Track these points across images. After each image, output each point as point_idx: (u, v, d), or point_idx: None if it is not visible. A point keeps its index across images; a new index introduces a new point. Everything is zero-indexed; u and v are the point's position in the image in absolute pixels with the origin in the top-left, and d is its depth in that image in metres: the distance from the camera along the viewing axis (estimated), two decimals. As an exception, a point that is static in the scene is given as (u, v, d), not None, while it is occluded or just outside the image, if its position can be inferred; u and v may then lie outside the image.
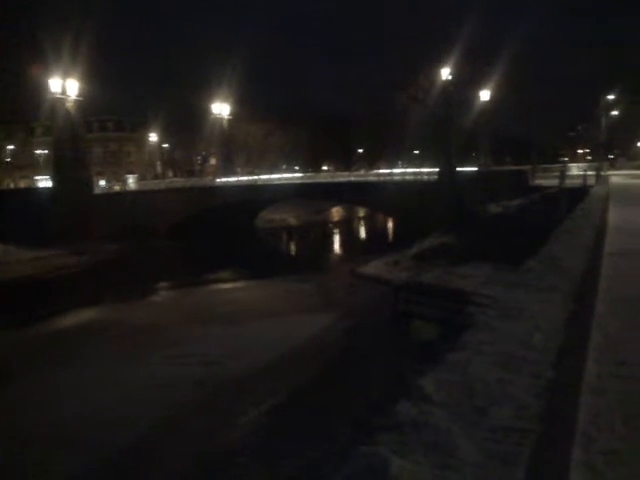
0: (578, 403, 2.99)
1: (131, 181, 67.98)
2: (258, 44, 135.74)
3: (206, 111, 64.52)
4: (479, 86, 49.87)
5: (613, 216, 13.00)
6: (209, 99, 63.43)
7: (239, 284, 31.66)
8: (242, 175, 68.12)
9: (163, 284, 31.99)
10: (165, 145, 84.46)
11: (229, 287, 30.95)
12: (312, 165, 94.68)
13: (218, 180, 58.35)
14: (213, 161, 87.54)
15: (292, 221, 65.60)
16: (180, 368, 16.67)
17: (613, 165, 67.26)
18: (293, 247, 56.23)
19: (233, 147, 72.23)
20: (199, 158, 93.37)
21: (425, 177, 46.49)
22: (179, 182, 61.99)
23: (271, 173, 66.09)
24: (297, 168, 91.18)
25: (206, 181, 60.85)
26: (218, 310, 24.25)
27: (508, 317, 2.56)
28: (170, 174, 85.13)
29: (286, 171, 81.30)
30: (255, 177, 59.79)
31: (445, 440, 1.51)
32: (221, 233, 44.55)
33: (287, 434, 11.86)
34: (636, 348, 4.22)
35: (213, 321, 22.15)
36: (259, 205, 57.74)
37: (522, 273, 4.12)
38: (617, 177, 40.47)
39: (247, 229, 54.08)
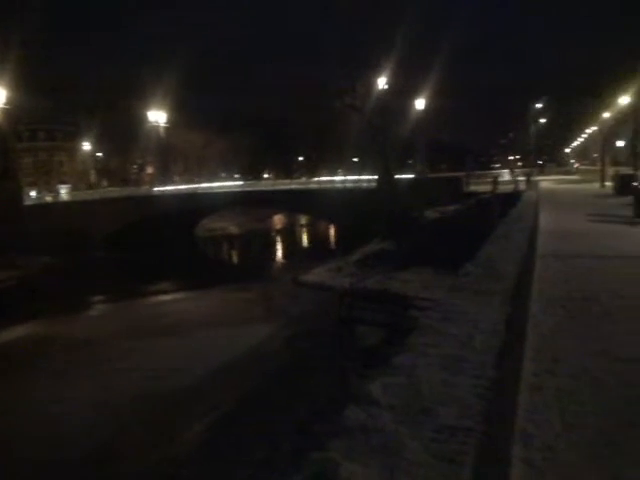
0: (517, 401, 3.10)
1: (64, 191, 65.68)
2: (196, 50, 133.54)
3: (142, 119, 63.05)
4: (415, 94, 51.00)
5: (543, 220, 13.60)
6: (145, 106, 62.03)
7: (179, 295, 31.00)
8: (180, 183, 66.96)
9: (100, 297, 30.96)
10: (99, 154, 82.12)
11: (169, 298, 30.28)
12: (253, 173, 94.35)
13: (156, 189, 57.16)
14: (150, 170, 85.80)
15: (233, 230, 64.99)
16: (120, 383, 16.15)
17: (542, 171, 70.35)
18: (235, 256, 55.67)
19: (171, 155, 71.01)
20: (135, 167, 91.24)
21: (365, 184, 47.22)
22: (115, 192, 60.21)
23: (211, 181, 65.30)
24: (237, 176, 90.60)
25: (143, 190, 59.51)
26: (158, 322, 23.67)
27: (450, 320, 2.64)
28: (105, 183, 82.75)
29: (226, 179, 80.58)
30: (194, 185, 58.92)
31: (393, 442, 1.55)
32: (160, 243, 43.61)
33: (232, 445, 11.69)
34: (568, 346, 4.43)
35: (153, 334, 21.58)
36: (199, 214, 56.93)
37: (460, 277, 4.25)
38: (546, 182, 42.34)
39: (187, 239, 53.19)
